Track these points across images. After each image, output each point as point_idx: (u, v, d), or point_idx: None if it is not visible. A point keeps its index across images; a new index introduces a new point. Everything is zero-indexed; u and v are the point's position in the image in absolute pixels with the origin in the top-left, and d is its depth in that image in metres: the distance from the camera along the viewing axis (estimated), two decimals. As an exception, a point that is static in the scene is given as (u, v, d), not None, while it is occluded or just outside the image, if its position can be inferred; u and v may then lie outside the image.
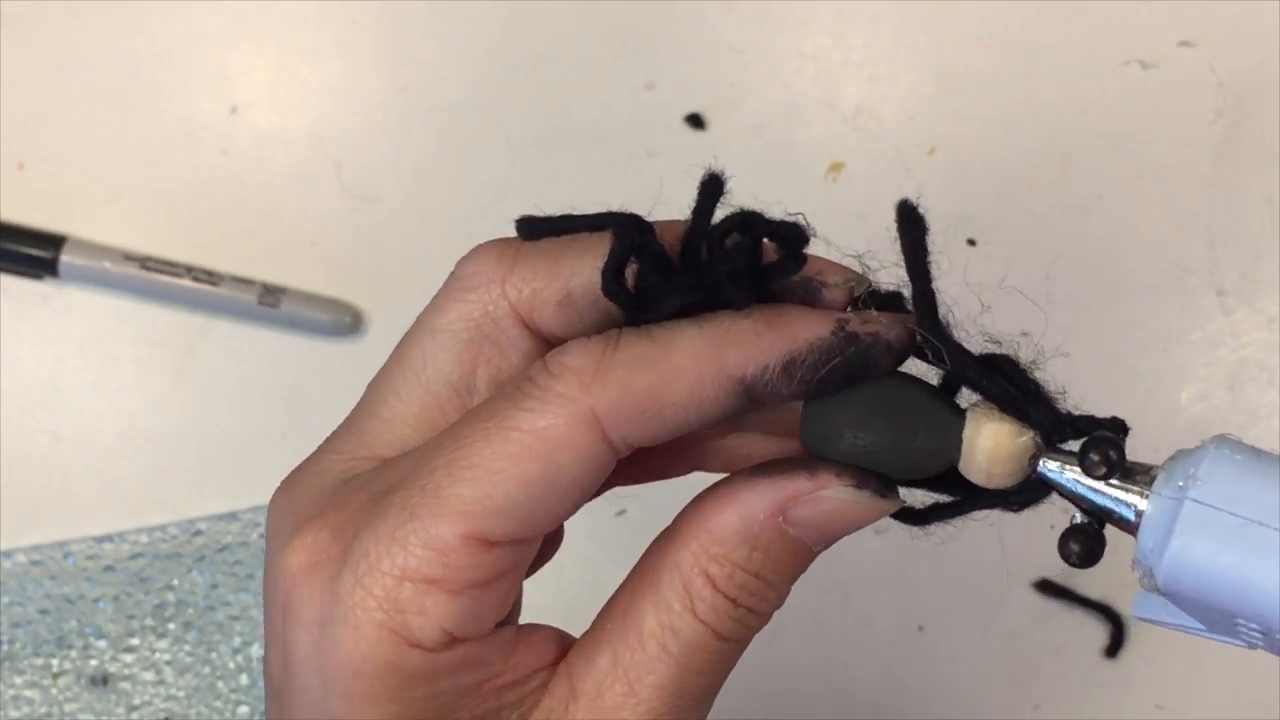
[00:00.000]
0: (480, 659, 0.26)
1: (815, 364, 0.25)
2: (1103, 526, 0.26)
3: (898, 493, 0.27)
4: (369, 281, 0.58)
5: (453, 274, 0.29)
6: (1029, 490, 0.27)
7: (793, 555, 0.26)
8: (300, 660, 0.25)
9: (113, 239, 0.58)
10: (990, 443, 0.26)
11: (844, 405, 0.26)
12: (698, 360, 0.25)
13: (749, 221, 0.27)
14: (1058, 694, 0.54)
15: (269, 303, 0.57)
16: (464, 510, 0.24)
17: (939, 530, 0.28)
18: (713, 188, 0.28)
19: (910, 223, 0.28)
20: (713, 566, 0.26)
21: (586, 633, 0.27)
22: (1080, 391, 0.56)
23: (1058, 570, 0.55)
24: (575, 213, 0.28)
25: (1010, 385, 0.27)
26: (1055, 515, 0.54)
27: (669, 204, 0.60)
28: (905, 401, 0.26)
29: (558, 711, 0.26)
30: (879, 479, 0.26)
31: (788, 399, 0.26)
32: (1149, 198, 0.58)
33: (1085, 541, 0.26)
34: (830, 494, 0.26)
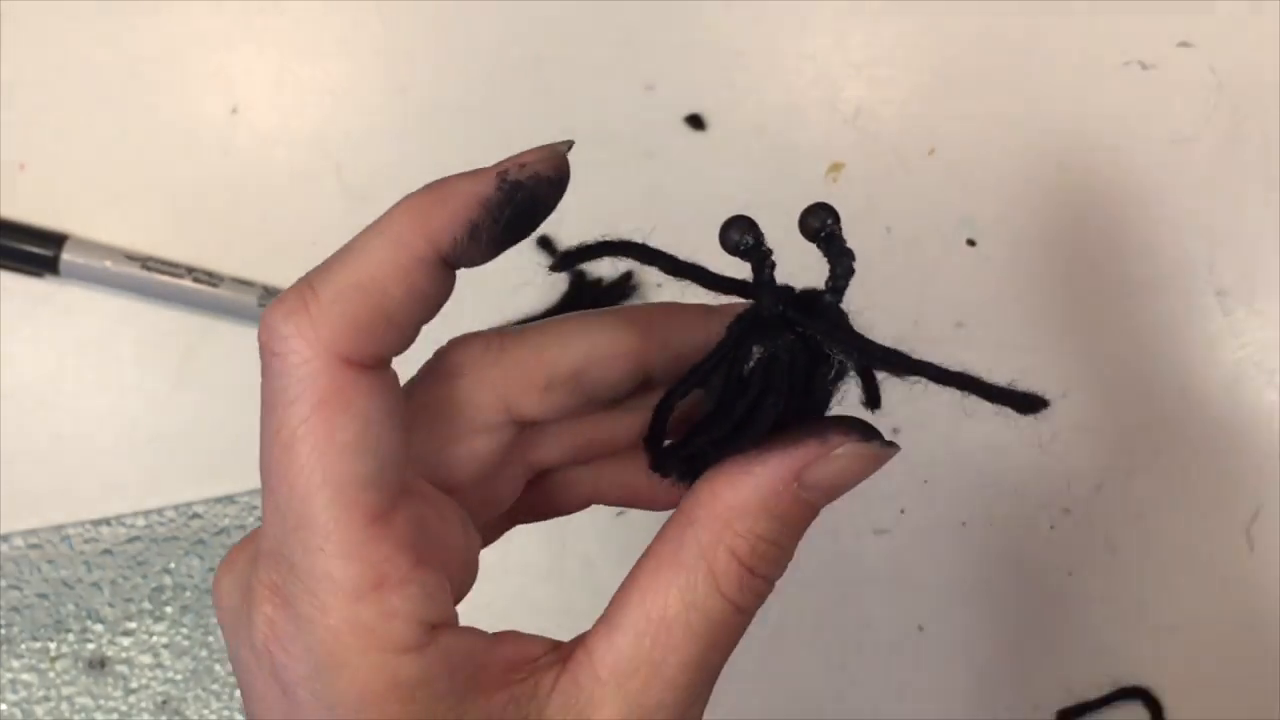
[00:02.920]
0: (465, 649, 0.26)
1: (494, 220, 0.27)
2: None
3: (894, 444, 0.28)
4: (369, 282, 0.58)
5: (436, 357, 0.30)
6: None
7: (803, 517, 0.28)
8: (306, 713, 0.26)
9: (113, 240, 0.58)
10: None
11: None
12: (397, 249, 0.27)
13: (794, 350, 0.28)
14: (1058, 694, 0.54)
15: (269, 304, 0.57)
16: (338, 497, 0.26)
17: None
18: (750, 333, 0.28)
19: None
20: (737, 541, 0.27)
21: (600, 620, 0.28)
22: (1080, 391, 0.56)
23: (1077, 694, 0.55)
24: (600, 240, 0.30)
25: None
26: (1055, 517, 0.55)
27: (670, 204, 0.60)
28: None
29: (582, 697, 0.26)
30: (872, 429, 0.28)
31: (484, 260, 0.27)
32: (1149, 198, 0.58)
33: None
34: (842, 451, 0.27)
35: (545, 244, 0.58)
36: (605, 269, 0.57)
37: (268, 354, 0.26)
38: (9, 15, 0.61)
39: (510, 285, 0.58)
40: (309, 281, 0.26)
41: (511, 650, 0.27)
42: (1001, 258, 0.58)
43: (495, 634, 0.27)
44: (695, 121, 0.59)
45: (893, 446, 0.28)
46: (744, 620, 0.27)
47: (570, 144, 0.29)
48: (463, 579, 0.29)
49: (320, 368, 0.25)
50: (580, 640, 0.27)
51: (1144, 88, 0.59)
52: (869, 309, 0.60)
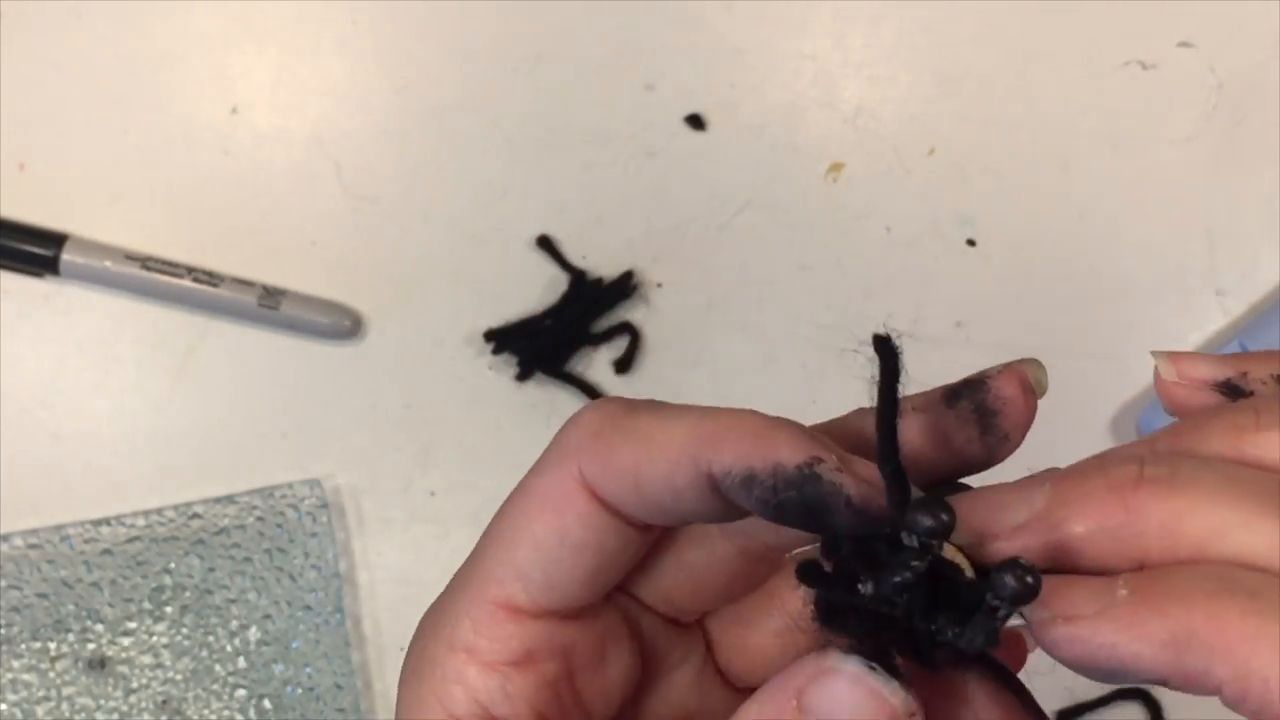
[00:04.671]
0: None
1: (772, 488, 0.23)
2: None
3: (908, 685, 0.23)
4: (369, 284, 0.58)
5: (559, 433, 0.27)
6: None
7: None
8: None
9: (113, 240, 0.58)
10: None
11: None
12: (676, 447, 0.24)
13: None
14: (1058, 694, 0.54)
15: (269, 305, 0.57)
16: (491, 576, 0.25)
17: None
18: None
19: (886, 355, 0.24)
20: None
21: None
22: (1080, 391, 0.56)
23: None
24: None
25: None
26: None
27: (670, 204, 0.60)
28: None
29: None
30: (889, 661, 0.23)
31: (753, 512, 0.24)
32: (1149, 198, 0.58)
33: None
34: (836, 671, 0.23)
35: (545, 243, 0.58)
36: (606, 269, 0.57)
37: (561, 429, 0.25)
38: (9, 15, 0.61)
39: (511, 284, 0.58)
40: (618, 409, 0.25)
41: None
42: (1001, 258, 0.58)
43: None
44: (695, 121, 0.59)
45: (903, 691, 0.22)
46: None
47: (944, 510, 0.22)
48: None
49: (577, 479, 0.25)
50: None
51: (1144, 88, 0.59)
52: (870, 309, 0.61)
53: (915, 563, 0.22)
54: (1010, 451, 0.25)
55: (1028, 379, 0.26)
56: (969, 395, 0.25)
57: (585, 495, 0.24)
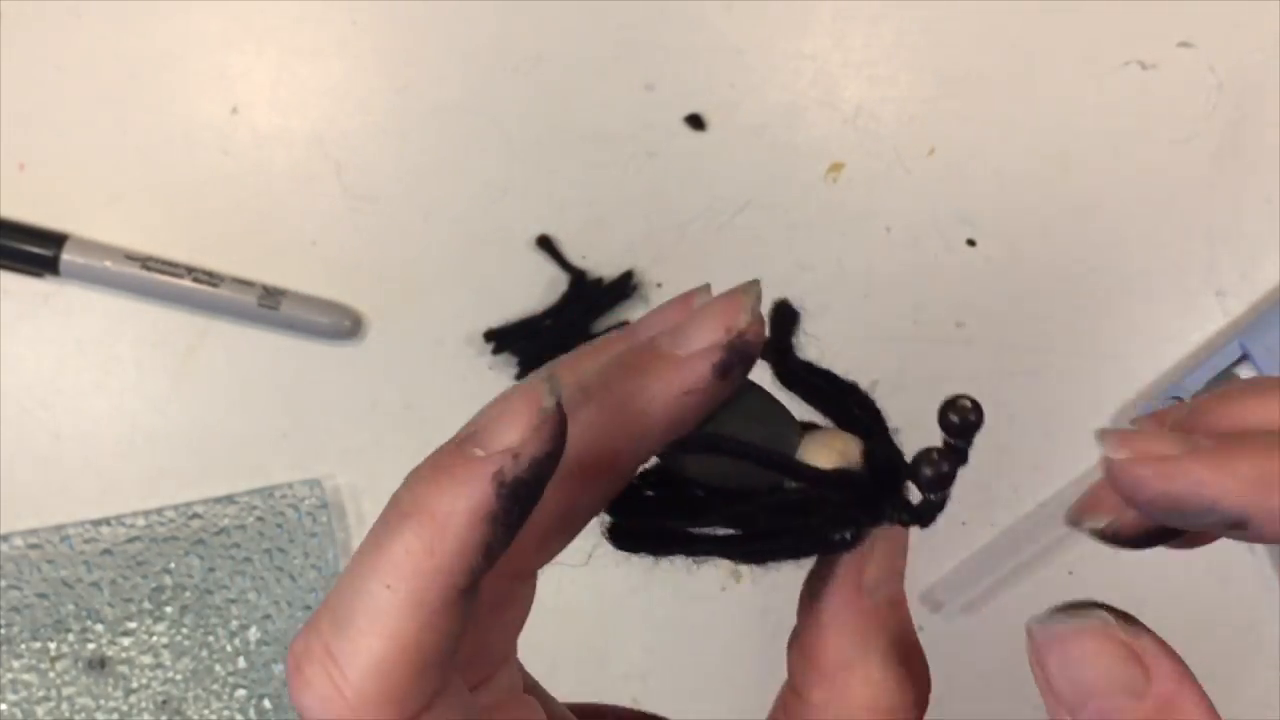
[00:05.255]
0: None
1: (506, 529, 0.22)
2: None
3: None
4: (369, 284, 0.58)
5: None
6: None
7: (886, 623, 0.26)
8: None
9: (113, 240, 0.58)
10: (819, 450, 0.25)
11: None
12: (416, 612, 0.22)
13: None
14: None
15: (269, 305, 0.57)
16: None
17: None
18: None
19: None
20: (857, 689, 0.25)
21: None
22: (1080, 391, 0.56)
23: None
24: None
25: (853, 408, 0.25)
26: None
27: (670, 204, 0.60)
28: (756, 407, 0.25)
29: None
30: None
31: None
32: (1149, 198, 0.58)
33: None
34: (874, 538, 0.25)
35: (545, 243, 0.58)
36: (606, 269, 0.57)
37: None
38: (9, 15, 0.61)
39: (511, 285, 0.58)
40: (334, 660, 0.23)
41: None
42: (1001, 258, 0.58)
43: None
44: (695, 121, 0.59)
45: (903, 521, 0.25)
46: None
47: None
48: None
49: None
50: None
51: (1144, 88, 0.59)
52: (870, 309, 0.61)
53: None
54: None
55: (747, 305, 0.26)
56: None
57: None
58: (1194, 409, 0.25)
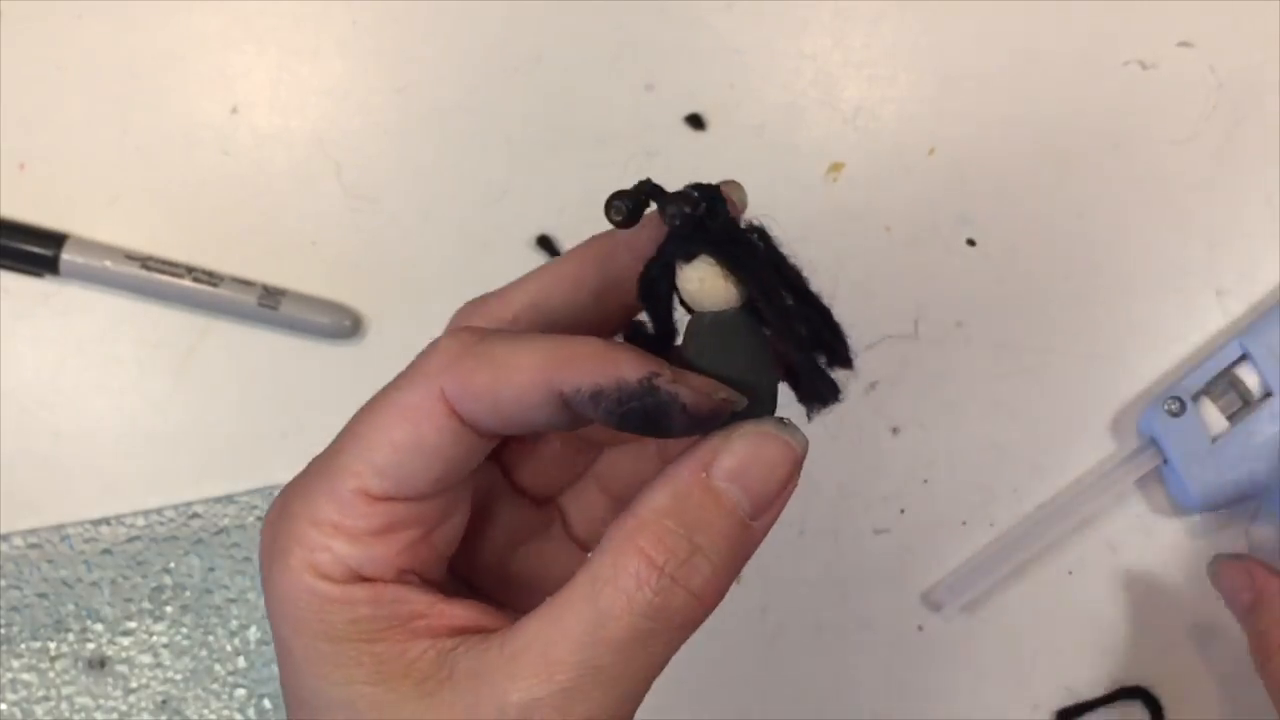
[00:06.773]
0: (399, 598, 0.29)
1: (617, 399, 0.27)
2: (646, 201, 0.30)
3: (801, 434, 0.29)
4: (369, 284, 0.58)
5: (418, 356, 0.31)
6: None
7: (724, 518, 0.28)
8: (266, 602, 0.30)
9: (113, 240, 0.58)
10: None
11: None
12: (529, 370, 0.28)
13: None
14: (1058, 693, 0.54)
15: (269, 304, 0.57)
16: (350, 470, 0.28)
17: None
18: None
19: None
20: (642, 537, 0.27)
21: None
22: (1080, 391, 0.56)
23: (1078, 691, 0.55)
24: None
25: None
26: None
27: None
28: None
29: (485, 667, 0.28)
30: (786, 423, 0.29)
31: (599, 422, 0.28)
32: (1149, 198, 0.58)
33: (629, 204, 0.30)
34: (739, 435, 0.28)
35: (545, 243, 0.58)
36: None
37: (425, 351, 0.29)
38: (9, 15, 0.61)
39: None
40: (475, 337, 0.29)
41: (464, 617, 0.29)
42: (1001, 258, 0.58)
43: (464, 602, 0.29)
44: (695, 121, 0.59)
45: (796, 436, 0.29)
46: (650, 627, 0.27)
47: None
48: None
49: (438, 397, 0.28)
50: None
51: (1144, 88, 0.59)
52: (870, 309, 0.61)
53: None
54: None
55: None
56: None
57: (445, 411, 0.28)
58: None
